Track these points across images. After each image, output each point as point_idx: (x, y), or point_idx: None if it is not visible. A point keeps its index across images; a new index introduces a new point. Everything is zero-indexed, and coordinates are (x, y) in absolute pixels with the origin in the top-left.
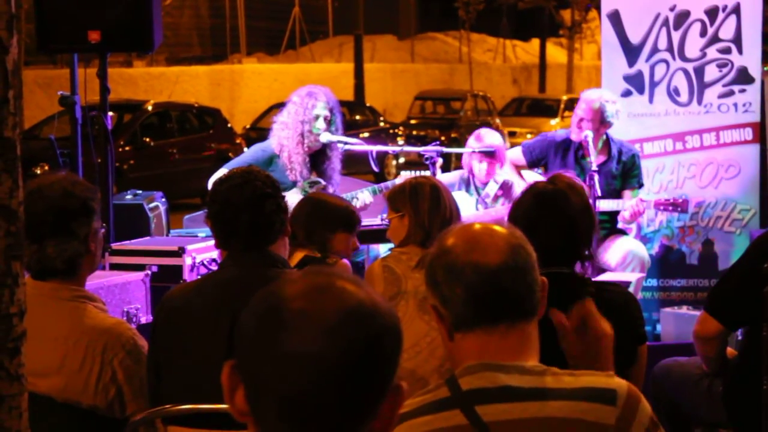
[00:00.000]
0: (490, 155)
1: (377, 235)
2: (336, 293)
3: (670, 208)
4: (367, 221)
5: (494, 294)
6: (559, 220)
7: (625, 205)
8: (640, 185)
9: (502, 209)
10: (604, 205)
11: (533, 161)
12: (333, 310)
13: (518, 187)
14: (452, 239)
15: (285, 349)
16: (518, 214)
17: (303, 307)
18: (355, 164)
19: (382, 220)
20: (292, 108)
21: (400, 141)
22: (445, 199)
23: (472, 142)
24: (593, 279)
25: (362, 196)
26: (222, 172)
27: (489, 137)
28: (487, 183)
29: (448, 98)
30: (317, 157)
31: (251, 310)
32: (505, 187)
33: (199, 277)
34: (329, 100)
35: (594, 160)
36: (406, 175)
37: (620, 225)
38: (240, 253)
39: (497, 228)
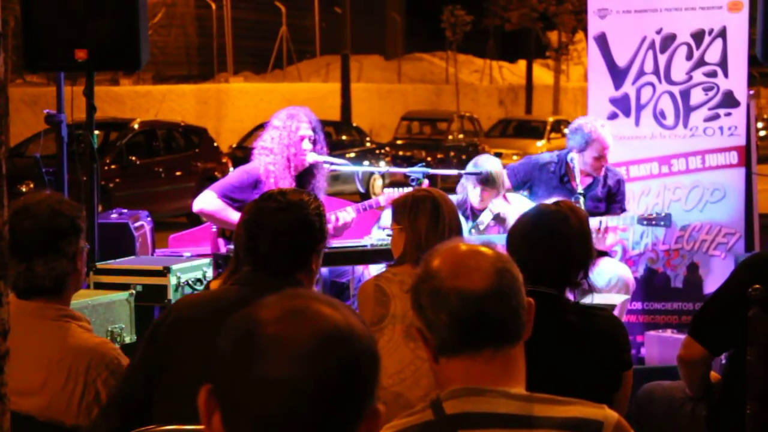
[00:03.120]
0: (484, 182)
1: (362, 257)
2: (311, 317)
3: (653, 222)
4: (352, 242)
5: (478, 320)
6: (556, 241)
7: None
8: (623, 210)
9: (495, 239)
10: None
11: (518, 184)
12: (308, 334)
13: (512, 219)
14: (437, 261)
15: (260, 374)
16: (517, 231)
17: (277, 331)
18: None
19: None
20: (275, 133)
21: (383, 163)
22: (446, 216)
23: (470, 168)
24: (580, 302)
25: (342, 215)
26: (206, 194)
27: (486, 163)
28: (482, 210)
29: (435, 119)
30: (302, 177)
31: (227, 333)
32: (499, 219)
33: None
34: (311, 120)
35: (579, 182)
36: (389, 192)
37: (603, 247)
38: (263, 274)
39: (483, 250)
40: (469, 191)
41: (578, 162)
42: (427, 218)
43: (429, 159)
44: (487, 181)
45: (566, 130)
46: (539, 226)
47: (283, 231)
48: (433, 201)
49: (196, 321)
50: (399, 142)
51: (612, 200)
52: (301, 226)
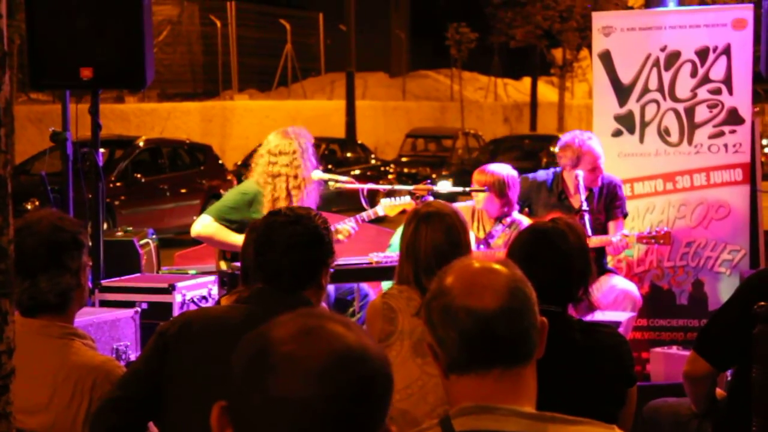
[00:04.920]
0: (491, 189)
1: (365, 274)
2: (324, 336)
3: (653, 240)
4: (356, 260)
5: (488, 340)
6: (555, 257)
7: (605, 240)
8: (624, 215)
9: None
10: (592, 242)
11: (517, 203)
12: (322, 354)
13: None
14: (450, 279)
15: (273, 393)
16: (516, 249)
17: (291, 351)
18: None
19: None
20: (292, 158)
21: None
22: (453, 233)
23: (476, 176)
24: (584, 319)
25: (343, 227)
26: (203, 218)
27: (493, 168)
28: (495, 218)
29: (440, 136)
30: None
31: (241, 351)
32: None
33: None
34: (307, 138)
35: (583, 198)
36: (386, 203)
37: (609, 265)
38: (270, 291)
39: (497, 267)
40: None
41: (570, 178)
42: (432, 236)
43: (434, 176)
44: (495, 186)
45: (555, 149)
46: (537, 244)
47: (294, 244)
48: (441, 217)
49: (203, 337)
50: (404, 159)
51: (611, 206)
52: (312, 238)
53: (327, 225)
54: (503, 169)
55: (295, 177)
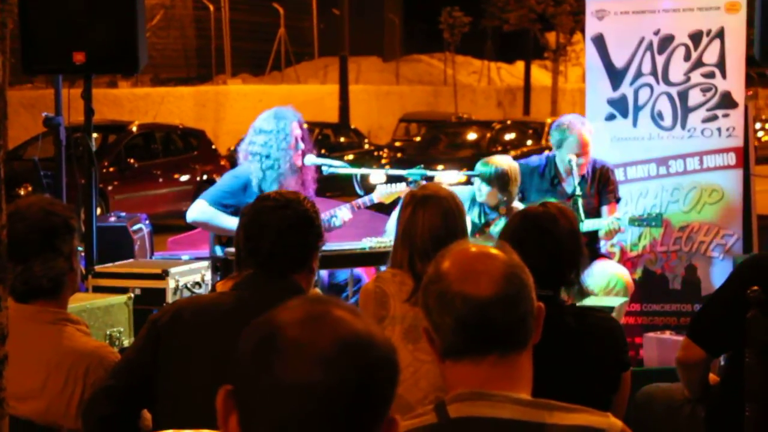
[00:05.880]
0: (488, 181)
1: (359, 259)
2: (332, 323)
3: (644, 223)
4: (349, 245)
5: (483, 326)
6: (546, 241)
7: (602, 224)
8: (617, 199)
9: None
10: (585, 226)
11: None
12: (328, 340)
13: None
14: (447, 264)
15: (279, 378)
16: (507, 234)
17: (298, 336)
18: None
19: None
20: (269, 137)
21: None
22: (449, 217)
23: (477, 167)
24: (576, 304)
25: (341, 213)
26: (198, 203)
27: (498, 161)
28: (495, 206)
29: (433, 120)
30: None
31: (248, 336)
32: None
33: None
34: (298, 118)
35: (576, 184)
36: (381, 189)
37: (603, 250)
38: (261, 276)
39: (494, 252)
40: (483, 192)
41: (560, 161)
42: (429, 220)
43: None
44: (500, 177)
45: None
46: (529, 228)
47: (285, 227)
48: (438, 201)
49: (195, 325)
50: (397, 143)
51: (604, 191)
52: (302, 221)
53: (316, 209)
54: (506, 161)
55: (267, 156)
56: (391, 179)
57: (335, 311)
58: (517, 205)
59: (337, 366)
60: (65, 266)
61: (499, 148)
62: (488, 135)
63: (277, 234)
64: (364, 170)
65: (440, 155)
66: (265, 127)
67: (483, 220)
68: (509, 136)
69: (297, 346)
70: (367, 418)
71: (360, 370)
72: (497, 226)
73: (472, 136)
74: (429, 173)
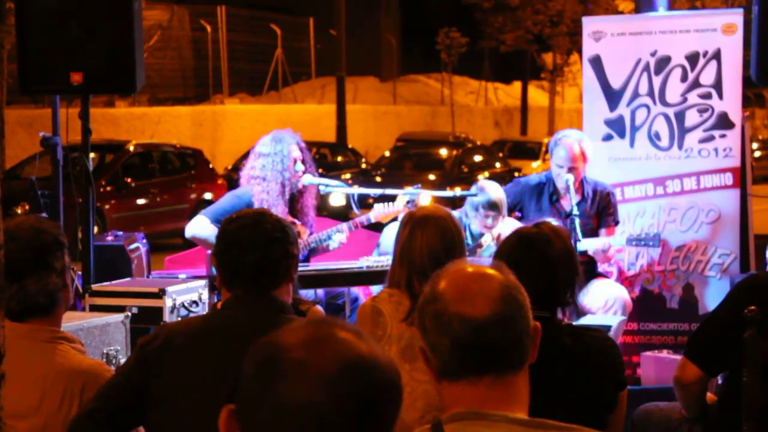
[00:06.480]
0: (490, 207)
1: (356, 278)
2: (335, 344)
3: (642, 243)
4: (347, 264)
5: (480, 347)
6: (540, 262)
7: (596, 243)
8: (616, 223)
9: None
10: (582, 245)
11: (508, 206)
12: (332, 361)
13: None
14: (443, 284)
15: (281, 399)
16: (501, 256)
17: (301, 357)
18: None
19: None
20: (266, 161)
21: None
22: (448, 236)
23: (474, 191)
24: (573, 323)
25: (337, 236)
26: (198, 219)
27: (490, 189)
28: (481, 233)
29: (430, 141)
30: (291, 198)
31: (252, 356)
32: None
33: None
34: (297, 140)
35: (574, 203)
36: (379, 208)
37: (600, 269)
38: (244, 296)
39: (490, 272)
40: (471, 216)
41: (555, 175)
42: (427, 240)
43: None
44: (493, 206)
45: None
46: (522, 250)
47: (251, 246)
48: (436, 221)
49: (186, 348)
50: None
51: (604, 213)
52: (273, 237)
53: (281, 222)
54: (497, 190)
55: (265, 179)
56: (387, 198)
57: (339, 333)
58: (514, 223)
59: (340, 387)
60: (59, 282)
61: (466, 170)
62: (455, 154)
63: (244, 253)
64: (361, 189)
65: (405, 177)
66: (263, 151)
67: (473, 243)
68: (477, 158)
69: (300, 367)
70: None
71: (363, 391)
72: (488, 249)
73: (438, 156)
74: (427, 193)
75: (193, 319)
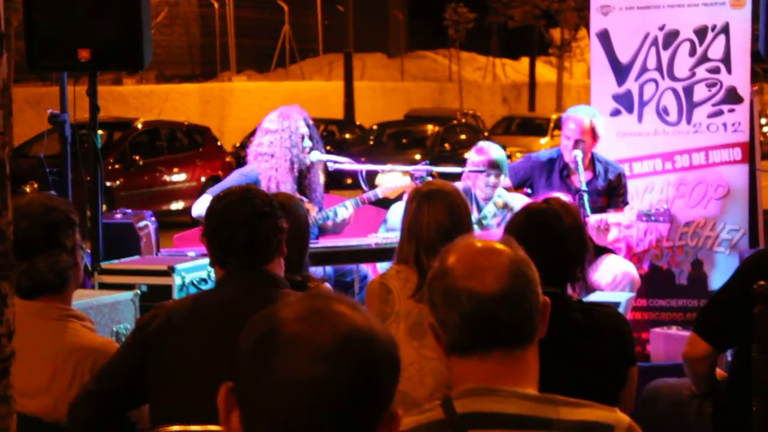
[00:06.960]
0: (493, 166)
1: (365, 255)
2: (332, 317)
3: (652, 218)
4: (356, 240)
5: (489, 322)
6: (550, 238)
7: (595, 218)
8: (626, 204)
9: (497, 232)
10: (592, 220)
11: (519, 182)
12: (328, 334)
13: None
14: (452, 259)
15: (279, 373)
16: (511, 232)
17: (298, 331)
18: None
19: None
20: (274, 137)
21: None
22: (457, 211)
23: (473, 156)
24: (583, 299)
25: (341, 211)
26: (205, 198)
27: (492, 151)
28: (486, 200)
29: (438, 117)
30: (300, 174)
31: (249, 332)
32: (508, 208)
33: (194, 293)
34: (304, 116)
35: (583, 179)
36: (386, 184)
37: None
38: (237, 272)
39: (499, 247)
40: (472, 179)
41: (564, 148)
42: (434, 214)
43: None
44: (493, 165)
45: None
46: (532, 225)
47: (241, 223)
48: (444, 196)
49: (185, 327)
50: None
51: (614, 194)
52: (261, 211)
53: (268, 196)
54: (498, 149)
55: (273, 156)
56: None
57: (335, 306)
58: (524, 199)
59: (338, 361)
60: (69, 260)
61: (448, 147)
62: (438, 131)
63: (243, 228)
64: (369, 166)
65: (387, 155)
66: (271, 128)
67: (476, 214)
68: (462, 135)
69: (297, 342)
70: (369, 413)
71: (361, 364)
72: (493, 220)
73: (420, 134)
74: (435, 169)
75: (190, 297)
